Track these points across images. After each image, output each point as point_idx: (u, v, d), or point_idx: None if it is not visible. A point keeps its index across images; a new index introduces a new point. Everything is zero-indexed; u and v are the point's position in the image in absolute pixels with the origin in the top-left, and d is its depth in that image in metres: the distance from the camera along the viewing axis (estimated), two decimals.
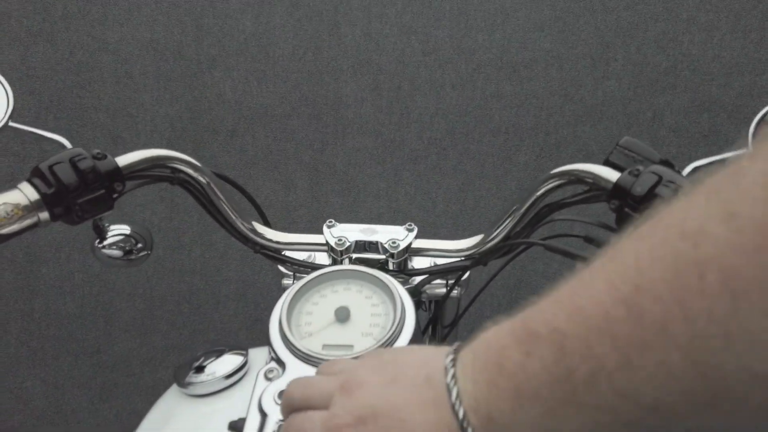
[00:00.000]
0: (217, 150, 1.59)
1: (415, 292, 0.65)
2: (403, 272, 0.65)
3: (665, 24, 1.53)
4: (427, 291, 0.67)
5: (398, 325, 0.48)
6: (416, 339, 0.50)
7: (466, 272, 0.65)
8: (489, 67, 1.63)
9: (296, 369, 0.44)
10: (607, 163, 0.54)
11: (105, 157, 0.51)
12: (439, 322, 0.73)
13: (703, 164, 0.55)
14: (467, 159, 1.66)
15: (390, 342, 0.47)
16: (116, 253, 0.58)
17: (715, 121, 1.56)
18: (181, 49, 1.54)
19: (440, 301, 0.70)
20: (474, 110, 1.65)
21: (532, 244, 0.59)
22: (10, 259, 1.39)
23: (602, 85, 1.58)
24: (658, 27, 1.54)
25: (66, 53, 1.43)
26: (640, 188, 0.48)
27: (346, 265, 0.57)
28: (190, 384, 0.48)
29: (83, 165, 0.49)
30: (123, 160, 0.53)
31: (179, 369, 0.51)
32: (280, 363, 0.44)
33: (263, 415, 0.41)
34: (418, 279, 0.65)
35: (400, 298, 0.50)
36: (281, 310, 0.48)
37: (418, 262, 0.67)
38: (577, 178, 0.55)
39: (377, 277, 0.52)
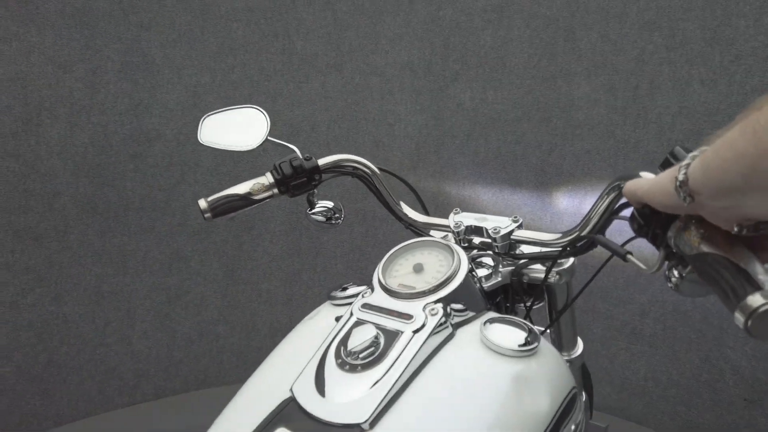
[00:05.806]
0: (454, 152, 1.83)
1: (516, 273, 0.77)
2: (507, 255, 0.77)
3: None
4: (529, 274, 0.77)
5: (450, 275, 0.64)
6: (473, 297, 0.64)
7: (555, 260, 0.73)
8: (752, 58, 1.41)
9: (379, 293, 0.65)
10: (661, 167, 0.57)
11: (311, 158, 0.82)
12: (553, 307, 0.81)
13: None
14: None
15: (442, 285, 0.63)
16: (320, 218, 0.87)
17: None
18: (430, 66, 1.82)
19: (551, 287, 0.79)
20: (728, 108, 1.45)
21: (590, 238, 0.67)
22: (305, 227, 1.93)
23: None
24: None
25: (348, 78, 1.87)
26: None
27: (429, 237, 0.74)
28: (333, 296, 0.72)
29: (295, 163, 0.80)
30: (322, 160, 0.83)
31: (334, 289, 0.75)
32: (372, 289, 0.66)
33: (350, 314, 0.63)
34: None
35: (458, 256, 0.66)
36: (383, 261, 0.69)
37: (528, 250, 0.77)
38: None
39: (449, 246, 0.68)
